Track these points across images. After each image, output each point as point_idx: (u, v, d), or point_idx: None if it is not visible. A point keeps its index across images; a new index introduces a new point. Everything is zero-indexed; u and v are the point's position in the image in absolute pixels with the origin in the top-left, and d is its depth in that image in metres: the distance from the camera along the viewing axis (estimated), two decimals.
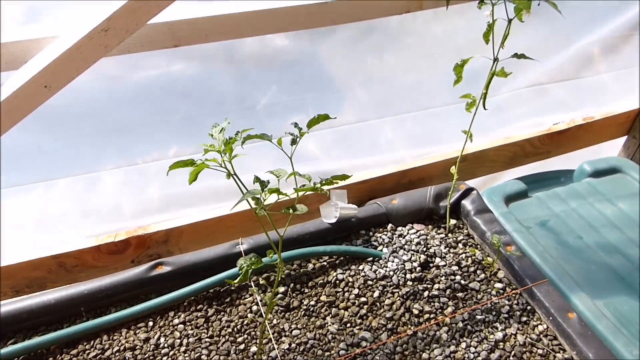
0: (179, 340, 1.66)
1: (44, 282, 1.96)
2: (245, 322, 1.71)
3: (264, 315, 1.72)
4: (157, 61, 1.80)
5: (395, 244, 1.96)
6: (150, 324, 1.72)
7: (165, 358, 1.62)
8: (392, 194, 2.18)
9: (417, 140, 2.47)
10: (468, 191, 2.10)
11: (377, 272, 1.85)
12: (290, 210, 1.20)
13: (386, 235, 2.00)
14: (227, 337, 1.68)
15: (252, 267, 1.24)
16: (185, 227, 2.02)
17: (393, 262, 1.88)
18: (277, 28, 1.77)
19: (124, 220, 2.03)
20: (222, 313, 1.75)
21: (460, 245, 1.97)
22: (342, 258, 1.92)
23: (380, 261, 1.90)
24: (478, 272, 1.86)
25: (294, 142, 1.32)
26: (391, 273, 1.84)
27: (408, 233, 2.01)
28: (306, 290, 1.82)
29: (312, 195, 2.10)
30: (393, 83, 2.27)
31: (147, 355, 1.63)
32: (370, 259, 1.91)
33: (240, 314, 1.74)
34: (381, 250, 1.93)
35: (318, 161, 2.26)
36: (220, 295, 1.81)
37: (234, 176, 1.19)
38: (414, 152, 2.40)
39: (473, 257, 1.91)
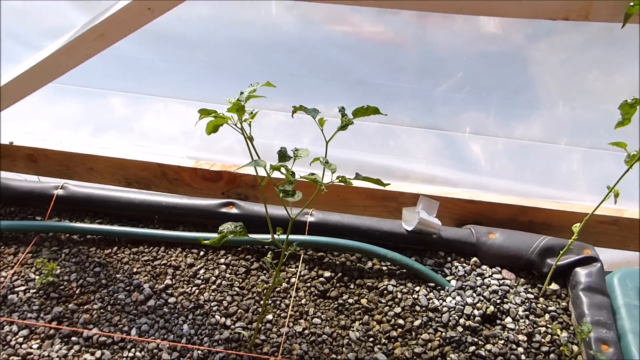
0: (214, 279, 1.70)
1: (148, 183, 2.18)
2: (278, 289, 1.67)
3: (293, 292, 1.66)
4: (288, 17, 1.79)
5: (468, 281, 1.68)
6: (202, 253, 1.79)
7: (194, 288, 1.68)
8: (502, 227, 1.87)
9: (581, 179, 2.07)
10: (589, 260, 1.69)
11: (431, 301, 1.63)
12: (281, 194, 1.11)
13: (464, 268, 1.73)
14: (254, 295, 1.66)
15: (230, 235, 1.20)
16: (273, 178, 2.02)
17: (455, 299, 1.62)
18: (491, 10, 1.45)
19: (222, 154, 2.13)
20: (263, 271, 1.74)
21: (547, 316, 1.61)
22: (404, 270, 1.72)
23: (442, 292, 1.65)
24: (550, 356, 1.50)
25: (344, 127, 1.20)
26: (445, 309, 1.60)
27: (490, 276, 1.71)
28: (351, 286, 1.69)
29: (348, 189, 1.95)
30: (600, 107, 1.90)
31: (183, 278, 1.71)
32: (432, 284, 1.68)
33: (280, 277, 1.70)
34: (448, 281, 1.68)
35: (420, 163, 2.06)
36: (276, 255, 1.78)
37: (247, 139, 1.13)
38: (552, 192, 2.01)
39: (553, 337, 1.54)
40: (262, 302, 1.64)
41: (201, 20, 1.92)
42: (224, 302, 1.63)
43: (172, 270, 1.73)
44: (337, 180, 1.18)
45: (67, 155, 2.19)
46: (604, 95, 1.91)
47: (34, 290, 1.66)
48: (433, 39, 1.92)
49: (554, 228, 1.97)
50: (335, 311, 1.62)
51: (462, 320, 1.56)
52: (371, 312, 1.61)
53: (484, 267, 1.74)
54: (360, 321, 1.59)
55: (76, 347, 1.51)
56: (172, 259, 1.77)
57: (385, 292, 1.66)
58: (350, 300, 1.64)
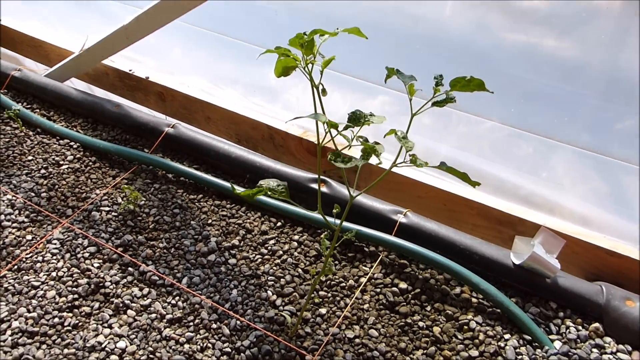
0: (281, 253, 1.56)
1: (256, 144, 2.12)
2: (343, 284, 1.47)
3: (357, 293, 1.44)
4: None
5: (579, 349, 1.30)
6: (279, 224, 1.66)
7: (258, 256, 1.55)
8: None
9: None
10: None
11: (520, 357, 1.29)
12: (330, 157, 0.91)
13: (578, 331, 1.35)
14: (312, 277, 1.48)
15: (267, 193, 1.03)
16: (376, 168, 1.82)
17: None
18: None
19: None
20: (334, 261, 1.55)
21: None
22: (497, 310, 1.40)
23: (538, 351, 1.30)
24: None
25: (440, 103, 0.96)
26: None
27: (613, 354, 1.30)
28: (427, 308, 1.42)
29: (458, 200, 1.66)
30: None
31: (251, 243, 1.59)
32: (529, 338, 1.33)
33: (350, 273, 1.50)
34: (552, 341, 1.32)
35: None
36: (354, 248, 1.58)
37: (313, 86, 0.94)
38: None
39: None
40: (321, 292, 1.44)
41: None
42: (282, 279, 1.48)
43: (244, 232, 1.63)
44: (409, 159, 0.94)
45: (190, 99, 2.23)
46: None
47: (115, 214, 1.68)
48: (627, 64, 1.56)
49: None
50: (399, 330, 1.36)
51: None
52: (441, 345, 1.33)
53: (608, 339, 1.33)
54: (425, 351, 1.31)
55: (129, 278, 1.47)
56: (248, 221, 1.67)
57: (466, 327, 1.36)
58: (421, 324, 1.37)
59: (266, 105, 2.21)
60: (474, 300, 1.43)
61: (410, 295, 1.44)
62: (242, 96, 2.25)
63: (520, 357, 1.28)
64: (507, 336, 1.34)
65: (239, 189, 1.05)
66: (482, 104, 1.80)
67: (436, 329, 1.36)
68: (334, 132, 1.00)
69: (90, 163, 1.92)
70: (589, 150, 1.67)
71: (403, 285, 1.46)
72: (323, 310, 1.39)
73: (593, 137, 1.66)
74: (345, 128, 0.99)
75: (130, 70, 2.40)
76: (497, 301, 1.38)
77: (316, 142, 1.92)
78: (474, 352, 1.30)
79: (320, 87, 0.99)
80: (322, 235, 1.26)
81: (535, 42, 1.72)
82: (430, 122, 1.97)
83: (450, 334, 1.35)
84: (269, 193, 1.05)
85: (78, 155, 1.94)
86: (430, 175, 1.80)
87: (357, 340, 1.32)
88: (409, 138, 1.00)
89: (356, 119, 1.00)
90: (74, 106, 2.20)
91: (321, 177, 1.76)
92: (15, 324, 1.33)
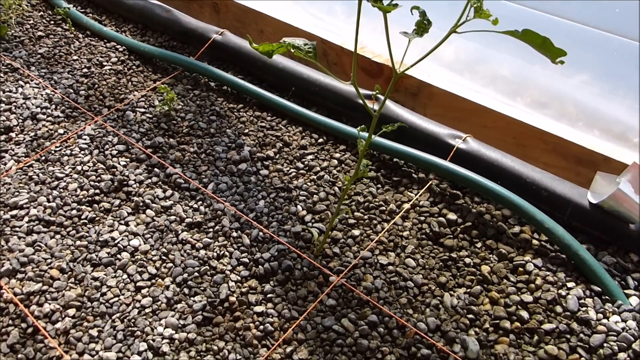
0: (319, 169, 1.40)
1: (307, 62, 1.94)
2: (382, 208, 1.30)
3: (397, 218, 1.26)
4: None
5: None
6: (320, 140, 1.50)
7: (292, 170, 1.40)
8: None
9: None
10: None
11: (584, 309, 1.07)
12: None
13: None
14: (352, 203, 1.31)
15: (288, 49, 0.86)
16: (438, 90, 1.59)
17: (625, 322, 1.04)
18: None
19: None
20: (377, 184, 1.37)
21: None
22: (562, 256, 1.18)
23: (608, 305, 1.08)
24: None
25: None
26: (602, 329, 1.03)
27: None
28: (478, 244, 1.22)
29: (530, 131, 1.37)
30: None
31: (287, 157, 1.45)
32: (598, 290, 1.11)
33: (392, 197, 1.32)
34: (627, 296, 1.09)
35: None
36: (401, 172, 1.40)
37: None
38: None
39: None
40: (357, 212, 1.28)
41: None
42: (315, 196, 1.33)
43: (281, 145, 1.48)
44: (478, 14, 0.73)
45: (243, 10, 2.06)
46: None
47: (150, 116, 1.59)
48: None
49: None
50: (442, 263, 1.18)
51: (621, 355, 0.99)
52: (488, 286, 1.14)
53: None
54: (468, 290, 1.13)
55: (154, 179, 1.38)
56: (288, 134, 1.52)
57: (521, 270, 1.15)
58: (468, 260, 1.18)
59: (325, 18, 2.00)
60: (534, 242, 1.22)
61: (459, 229, 1.25)
62: (300, 7, 2.06)
63: (584, 308, 1.07)
64: (570, 284, 1.12)
65: (255, 45, 0.89)
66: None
67: (485, 268, 1.16)
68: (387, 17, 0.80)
69: (134, 67, 1.83)
70: None
71: (452, 216, 1.26)
72: (356, 232, 1.23)
73: None
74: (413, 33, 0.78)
75: None
76: (564, 244, 1.15)
77: (372, 59, 1.72)
78: (528, 297, 1.10)
79: None
80: (358, 129, 1.07)
81: None
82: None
83: (501, 275, 1.15)
84: (293, 51, 0.88)
85: (122, 58, 1.86)
86: (499, 101, 1.56)
87: (390, 267, 1.16)
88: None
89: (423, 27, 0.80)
90: (125, 11, 2.11)
91: (372, 92, 1.56)
92: (33, 211, 1.28)
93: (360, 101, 1.54)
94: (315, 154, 1.45)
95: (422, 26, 0.88)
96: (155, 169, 1.41)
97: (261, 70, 1.73)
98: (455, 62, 1.68)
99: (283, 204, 1.30)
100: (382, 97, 1.53)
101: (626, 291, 1.10)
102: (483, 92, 1.59)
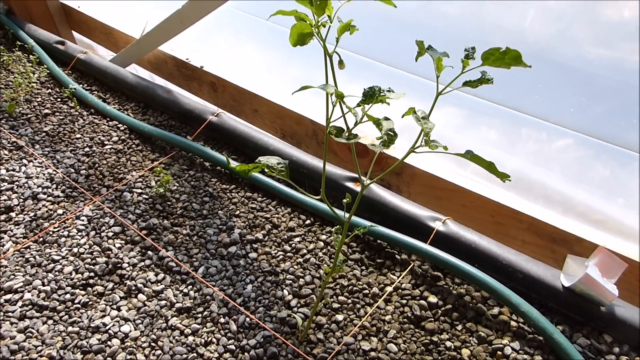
0: (305, 252, 1.46)
1: (300, 141, 2.04)
2: (366, 291, 1.35)
3: (380, 302, 1.31)
4: None
5: None
6: (308, 222, 1.57)
7: (280, 253, 1.46)
8: None
9: None
10: None
11: None
12: (330, 130, 0.79)
13: None
14: (337, 286, 1.36)
15: (263, 169, 0.93)
16: (419, 171, 1.67)
17: None
18: None
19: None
20: (361, 266, 1.43)
21: None
22: (539, 338, 1.22)
23: None
24: None
25: (475, 83, 0.83)
26: None
27: None
28: (458, 327, 1.26)
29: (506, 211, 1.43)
30: None
31: (275, 239, 1.51)
32: None
33: (375, 280, 1.37)
34: None
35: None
36: (384, 254, 1.46)
37: (327, 54, 0.83)
38: None
39: None
40: (340, 297, 1.33)
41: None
42: (301, 279, 1.38)
43: (270, 227, 1.55)
44: (423, 143, 0.81)
45: (239, 90, 2.19)
46: None
47: (146, 197, 1.66)
48: None
49: None
50: (423, 348, 1.22)
51: None
52: None
53: None
54: None
55: (147, 262, 1.44)
56: (277, 216, 1.59)
57: (500, 354, 1.19)
58: (449, 344, 1.22)
59: (313, 99, 2.13)
60: (513, 324, 1.26)
61: (440, 311, 1.29)
62: (290, 88, 2.18)
63: None
64: None
65: (234, 164, 0.97)
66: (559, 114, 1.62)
67: (465, 352, 1.20)
68: (356, 112, 0.89)
69: (134, 145, 1.92)
70: None
71: (433, 299, 1.31)
72: (340, 317, 1.28)
73: None
74: (360, 104, 0.88)
75: (187, 59, 2.42)
76: (539, 327, 1.20)
77: (364, 143, 1.81)
78: None
79: (336, 59, 0.89)
80: (333, 229, 1.14)
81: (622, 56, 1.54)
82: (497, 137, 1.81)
83: (480, 359, 1.19)
84: (267, 170, 0.96)
85: (123, 137, 1.96)
86: (477, 182, 1.64)
87: (372, 353, 1.20)
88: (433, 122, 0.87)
89: (372, 94, 0.88)
90: (129, 90, 2.24)
91: (357, 176, 1.65)
92: (27, 295, 1.33)
93: (347, 184, 1.62)
94: (303, 236, 1.52)
95: (389, 138, 0.96)
96: (149, 252, 1.47)
97: (254, 151, 1.82)
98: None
99: (270, 288, 1.35)
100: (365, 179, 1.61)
101: None
102: (461, 173, 1.68)
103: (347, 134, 0.88)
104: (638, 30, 1.43)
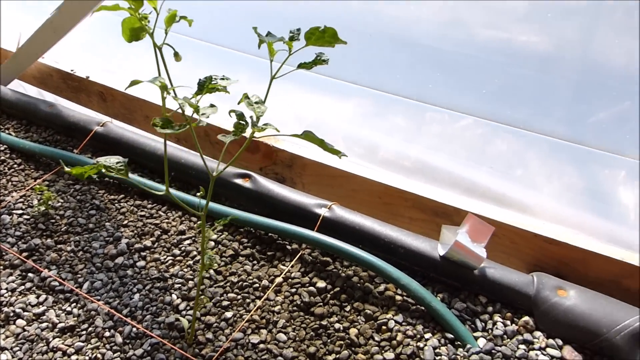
0: (195, 253, 1.45)
1: (193, 143, 2.01)
2: (256, 285, 1.35)
3: (270, 293, 1.32)
4: None
5: (504, 346, 1.17)
6: (200, 223, 1.55)
7: (169, 258, 1.44)
8: (594, 289, 1.32)
9: None
10: None
11: (439, 358, 1.16)
12: (153, 122, 0.79)
13: (506, 327, 1.22)
14: (227, 284, 1.36)
15: (100, 170, 0.92)
16: (309, 161, 1.70)
17: None
18: None
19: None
20: (252, 261, 1.43)
21: None
22: (421, 308, 1.27)
23: (460, 350, 1.17)
24: None
25: (306, 66, 0.85)
26: None
27: (542, 349, 1.17)
28: (347, 308, 1.29)
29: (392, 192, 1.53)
30: None
31: (165, 244, 1.48)
32: (451, 336, 1.20)
33: (266, 273, 1.38)
34: (476, 339, 1.19)
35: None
36: (275, 246, 1.47)
37: (156, 47, 0.84)
38: None
39: None
40: (230, 294, 1.33)
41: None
42: (190, 282, 1.37)
43: (159, 233, 1.52)
44: (261, 127, 0.83)
45: (129, 98, 2.13)
46: None
47: (28, 217, 1.58)
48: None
49: None
50: (313, 333, 1.24)
51: None
52: (355, 348, 1.21)
53: (538, 333, 1.20)
54: (337, 356, 1.19)
55: (28, 285, 1.37)
56: (167, 221, 1.56)
57: (385, 328, 1.24)
58: (337, 326, 1.25)
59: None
60: (397, 298, 1.31)
61: (329, 295, 1.32)
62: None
63: (439, 357, 1.16)
64: (427, 335, 1.21)
65: (67, 169, 0.94)
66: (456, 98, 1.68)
67: (353, 331, 1.24)
68: (192, 108, 0.89)
69: (15, 165, 1.82)
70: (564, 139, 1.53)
71: (321, 284, 1.34)
72: (229, 314, 1.28)
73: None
74: (194, 95, 0.88)
75: (72, 70, 2.32)
76: (419, 297, 1.25)
77: (255, 138, 1.81)
78: (390, 355, 1.17)
79: (171, 52, 0.88)
80: (197, 224, 1.14)
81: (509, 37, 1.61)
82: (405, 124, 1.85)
83: (367, 336, 1.23)
84: (104, 171, 0.94)
85: (3, 158, 1.85)
86: (366, 167, 1.69)
87: (261, 345, 1.21)
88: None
89: (201, 85, 0.89)
90: (9, 107, 2.12)
91: (246, 172, 1.65)
92: None
93: (236, 180, 1.62)
94: (193, 238, 1.50)
95: (240, 127, 0.97)
96: (30, 274, 1.40)
97: (142, 157, 1.78)
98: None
99: (158, 294, 1.33)
100: (255, 175, 1.62)
101: (475, 334, 1.21)
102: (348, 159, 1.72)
103: (177, 126, 0.87)
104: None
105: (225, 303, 1.31)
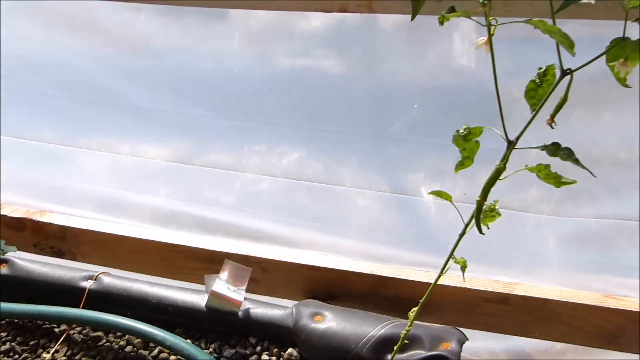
0: None
1: None
2: None
3: None
4: None
5: None
6: None
7: None
8: (363, 303, 1.44)
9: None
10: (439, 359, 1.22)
11: None
12: None
13: None
14: None
15: None
16: (80, 231, 1.63)
17: None
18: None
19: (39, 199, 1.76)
20: (13, 355, 1.32)
21: None
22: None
23: None
24: None
25: None
26: None
27: None
28: None
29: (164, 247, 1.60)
30: None
31: None
32: None
33: None
34: None
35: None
36: (39, 332, 1.38)
37: None
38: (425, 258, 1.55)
39: None
40: None
41: None
42: None
43: None
44: None
45: None
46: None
47: None
48: None
49: (427, 305, 1.50)
50: None
51: None
52: None
53: None
54: None
55: None
56: None
57: None
58: None
59: None
60: (172, 358, 1.30)
61: None
62: None
63: None
64: None
65: None
66: None
67: None
68: None
69: None
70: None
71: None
72: None
73: None
74: None
75: None
76: (186, 355, 1.25)
77: (10, 215, 1.68)
78: None
79: None
80: None
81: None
82: None
83: None
84: None
85: None
86: (141, 227, 1.67)
87: None
88: None
89: None
90: None
91: (2, 257, 1.53)
92: None
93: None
94: None
95: None
96: None
97: None
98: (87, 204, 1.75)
99: None
100: (16, 260, 1.50)
101: None
102: (119, 221, 1.69)
103: None
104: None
105: None
